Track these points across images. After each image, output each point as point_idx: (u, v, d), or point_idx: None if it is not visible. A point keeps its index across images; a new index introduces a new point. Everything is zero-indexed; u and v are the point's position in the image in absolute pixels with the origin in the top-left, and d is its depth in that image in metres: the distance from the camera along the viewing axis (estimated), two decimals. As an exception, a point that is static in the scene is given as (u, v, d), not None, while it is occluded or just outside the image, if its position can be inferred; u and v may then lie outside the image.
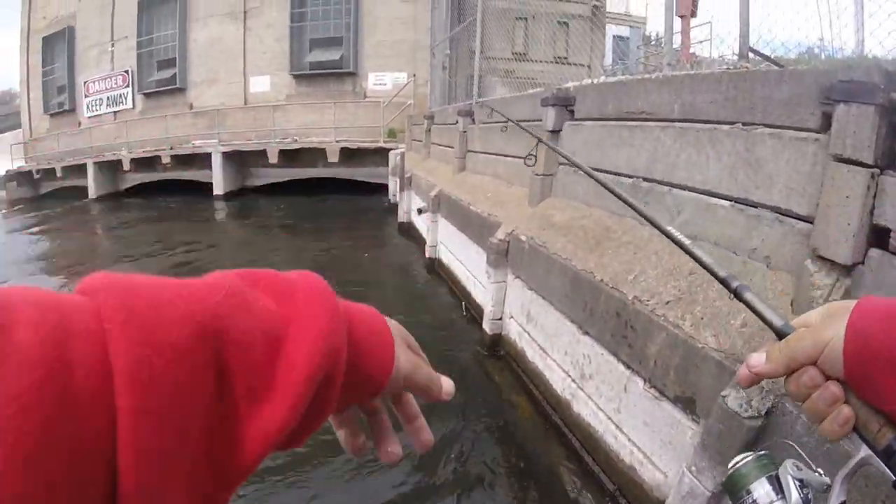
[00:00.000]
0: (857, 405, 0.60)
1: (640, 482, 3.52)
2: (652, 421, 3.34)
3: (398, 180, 15.22)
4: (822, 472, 0.65)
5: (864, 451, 0.60)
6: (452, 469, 4.45)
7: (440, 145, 12.24)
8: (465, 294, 7.93)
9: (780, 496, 0.65)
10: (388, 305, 8.66)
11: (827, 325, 0.62)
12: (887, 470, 0.57)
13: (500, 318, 6.18)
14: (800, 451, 0.71)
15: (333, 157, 19.70)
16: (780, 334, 0.68)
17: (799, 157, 2.87)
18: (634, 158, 4.43)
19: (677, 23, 7.52)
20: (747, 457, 0.71)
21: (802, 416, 2.28)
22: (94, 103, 27.12)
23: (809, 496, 0.64)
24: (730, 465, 0.72)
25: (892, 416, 0.58)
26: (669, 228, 1.07)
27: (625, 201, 1.30)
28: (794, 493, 0.64)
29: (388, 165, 17.54)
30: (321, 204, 19.05)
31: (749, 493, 0.68)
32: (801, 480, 0.65)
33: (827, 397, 0.61)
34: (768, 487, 0.66)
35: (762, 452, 0.71)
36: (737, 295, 0.80)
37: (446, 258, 9.29)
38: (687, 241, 0.99)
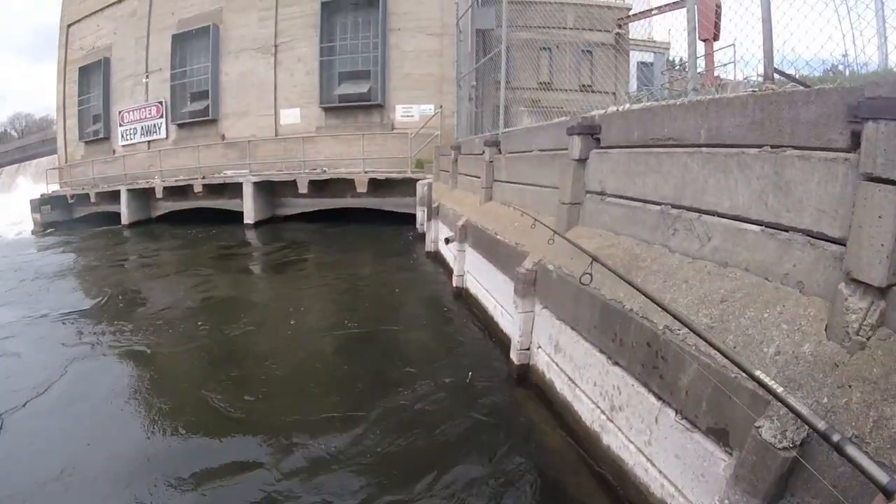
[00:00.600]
0: None
1: (671, 516, 3.42)
2: (683, 453, 3.25)
3: (425, 210, 15.29)
4: None
5: None
6: (479, 498, 4.37)
7: (467, 175, 12.28)
8: (492, 324, 7.87)
9: None
10: (416, 335, 8.64)
11: None
12: None
13: (528, 349, 6.12)
14: None
15: (362, 188, 19.86)
16: (887, 493, 0.63)
17: (829, 178, 2.81)
18: (662, 185, 4.38)
19: (700, 47, 7.49)
20: None
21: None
22: (128, 132, 27.85)
23: None
24: None
25: None
26: (758, 373, 1.02)
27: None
28: None
29: (415, 195, 17.66)
30: (350, 233, 19.17)
31: None
32: None
33: None
34: None
35: None
36: (838, 450, 0.75)
37: (473, 287, 9.25)
38: (780, 389, 0.94)
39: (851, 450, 0.69)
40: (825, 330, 2.65)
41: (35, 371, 7.28)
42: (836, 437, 0.72)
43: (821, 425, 0.75)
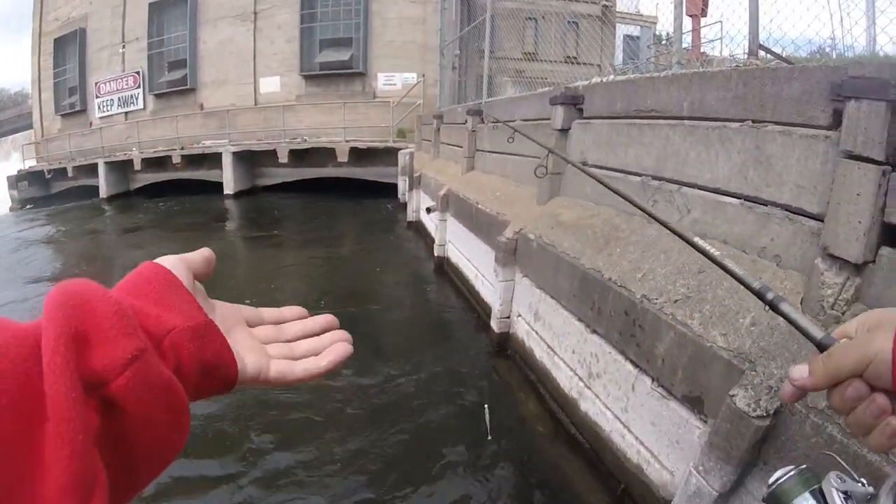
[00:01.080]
0: None
1: (646, 482, 3.50)
2: (659, 420, 3.32)
3: (407, 180, 15.25)
4: (865, 482, 0.65)
5: None
6: (457, 466, 4.44)
7: (449, 145, 12.24)
8: (473, 293, 7.92)
9: None
10: (397, 305, 8.67)
11: (872, 336, 0.62)
12: None
13: (508, 317, 6.17)
14: (841, 461, 0.71)
15: (343, 157, 19.72)
16: (822, 347, 0.67)
17: (809, 154, 2.85)
18: (643, 157, 4.40)
19: (688, 22, 7.50)
20: (789, 471, 0.71)
21: (811, 416, 2.26)
22: (105, 104, 27.26)
23: None
24: (771, 481, 0.72)
25: None
26: (697, 239, 1.06)
27: (646, 211, 1.29)
28: None
29: (397, 165, 17.58)
30: (331, 203, 19.07)
31: None
32: (845, 493, 0.65)
33: (874, 410, 0.60)
34: (812, 502, 0.67)
35: (804, 467, 0.72)
36: (773, 307, 0.79)
37: (455, 257, 9.28)
38: (716, 252, 0.98)
39: (785, 307, 0.74)
40: (801, 303, 2.70)
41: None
42: (770, 296, 0.77)
43: (755, 284, 0.80)
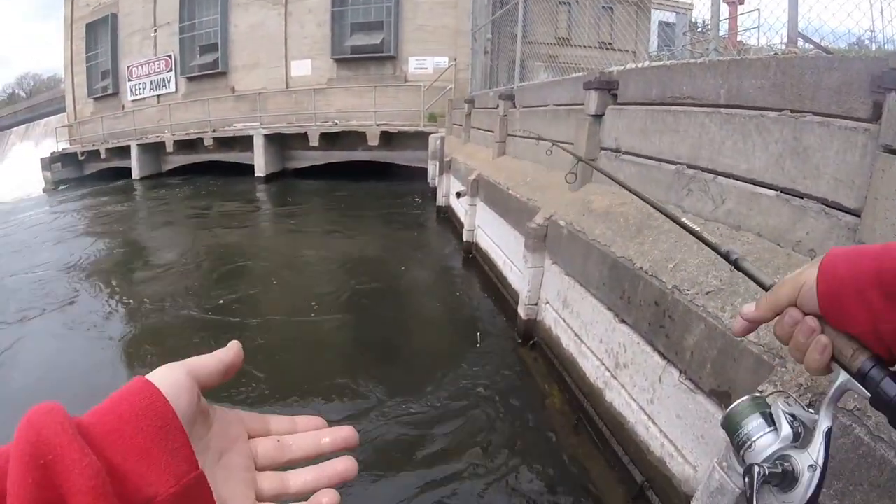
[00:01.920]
0: (832, 335, 0.68)
1: (669, 475, 3.47)
2: (685, 414, 3.29)
3: (437, 164, 15.22)
4: (812, 410, 0.73)
5: (843, 377, 0.68)
6: (480, 455, 4.45)
7: (480, 129, 12.19)
8: (501, 278, 7.90)
9: (771, 428, 0.73)
10: (425, 290, 8.69)
11: (803, 270, 0.71)
12: (863, 390, 0.66)
13: (536, 304, 6.14)
14: (791, 395, 0.76)
15: (373, 141, 19.77)
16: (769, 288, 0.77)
17: (848, 146, 2.78)
18: (678, 144, 4.34)
19: (725, 10, 7.35)
20: (743, 398, 0.78)
21: (839, 417, 2.22)
22: (137, 87, 27.66)
23: (799, 429, 0.72)
24: (728, 407, 0.79)
25: (863, 339, 0.66)
26: (683, 220, 1.17)
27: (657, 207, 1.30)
28: (786, 426, 0.72)
29: (427, 149, 17.54)
30: (361, 187, 19.15)
31: (743, 427, 0.75)
32: (791, 415, 0.73)
33: (805, 330, 0.69)
34: (761, 421, 0.74)
35: (757, 394, 0.80)
36: (736, 265, 0.93)
37: (484, 242, 9.26)
38: (684, 220, 1.10)
39: (746, 264, 0.81)
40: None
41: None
42: (734, 256, 0.85)
43: (723, 248, 0.88)
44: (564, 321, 5.34)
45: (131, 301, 8.24)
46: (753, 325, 0.78)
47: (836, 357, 0.68)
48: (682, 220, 1.14)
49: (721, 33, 5.81)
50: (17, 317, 7.65)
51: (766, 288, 0.79)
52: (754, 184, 3.47)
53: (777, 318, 0.73)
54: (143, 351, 6.57)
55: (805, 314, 0.70)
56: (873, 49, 5.09)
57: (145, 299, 8.18)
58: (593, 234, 4.76)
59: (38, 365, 6.31)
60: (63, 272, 9.90)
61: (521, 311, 6.29)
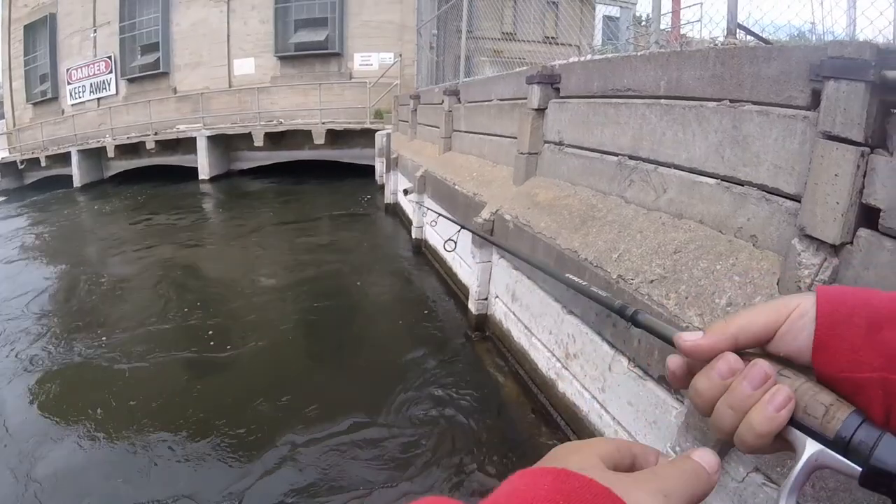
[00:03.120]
0: (795, 384, 0.51)
1: (624, 462, 3.50)
2: (636, 401, 3.32)
3: (385, 161, 15.15)
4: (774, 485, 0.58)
5: (812, 448, 0.49)
6: (437, 449, 4.43)
7: (426, 125, 12.16)
8: (450, 274, 7.90)
9: None
10: (376, 288, 8.62)
11: (784, 299, 0.55)
12: (848, 463, 0.47)
13: (486, 299, 6.15)
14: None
15: (319, 140, 19.56)
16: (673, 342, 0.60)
17: (787, 134, 2.83)
18: (620, 136, 4.38)
19: (667, 4, 7.46)
20: None
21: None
22: (77, 90, 26.75)
23: None
24: None
25: (860, 391, 0.49)
26: (568, 275, 1.08)
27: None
28: None
29: (374, 147, 17.45)
30: (307, 186, 18.96)
31: None
32: None
33: (755, 377, 0.51)
34: None
35: None
36: (634, 321, 0.76)
37: (433, 239, 9.25)
38: (583, 283, 1.00)
39: (643, 317, 0.74)
40: (777, 284, 2.69)
41: None
42: (629, 311, 0.78)
43: (616, 304, 0.82)
44: (514, 314, 5.36)
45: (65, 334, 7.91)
46: (697, 357, 0.56)
47: (798, 419, 0.50)
48: (569, 276, 1.05)
49: (663, 27, 5.88)
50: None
51: (668, 342, 0.60)
52: (695, 173, 3.52)
53: (705, 366, 0.55)
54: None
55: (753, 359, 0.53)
56: (814, 40, 5.21)
57: (79, 327, 7.81)
58: (539, 228, 4.78)
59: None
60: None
61: (472, 306, 6.29)
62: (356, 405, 5.11)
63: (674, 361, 0.59)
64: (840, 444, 0.47)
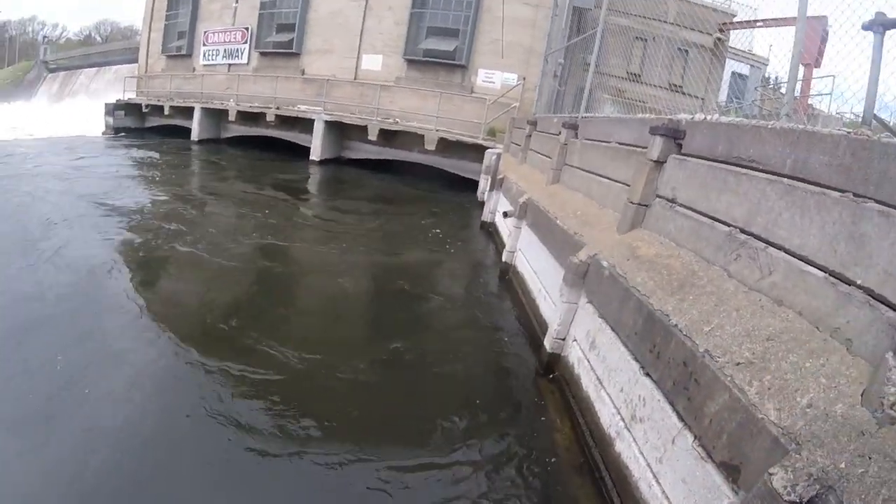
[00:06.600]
0: None
1: (664, 537, 3.44)
2: (691, 480, 3.25)
3: (490, 179, 15.27)
4: None
5: None
6: (478, 487, 4.42)
7: (538, 153, 12.18)
8: (532, 306, 7.88)
9: None
10: (455, 302, 8.68)
11: None
12: None
13: (563, 339, 6.11)
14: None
15: (430, 145, 19.90)
16: None
17: (905, 241, 2.72)
18: (735, 207, 4.28)
19: (800, 70, 7.26)
20: None
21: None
22: (210, 53, 28.63)
23: None
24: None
25: None
26: None
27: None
28: None
29: (482, 163, 17.63)
30: (410, 188, 19.35)
31: None
32: None
33: None
34: None
35: None
36: None
37: (521, 266, 9.25)
38: None
39: None
40: (861, 395, 2.59)
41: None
42: None
43: None
44: (589, 362, 5.31)
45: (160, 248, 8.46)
46: None
47: None
48: None
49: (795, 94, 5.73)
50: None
51: None
52: (804, 261, 3.41)
53: None
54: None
55: None
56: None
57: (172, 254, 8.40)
58: (634, 281, 4.72)
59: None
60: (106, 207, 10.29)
61: (547, 343, 6.26)
62: (403, 427, 5.14)
63: None
64: None
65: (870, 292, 2.87)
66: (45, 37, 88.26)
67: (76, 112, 37.69)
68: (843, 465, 2.30)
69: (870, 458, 2.28)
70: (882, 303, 2.78)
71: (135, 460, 4.19)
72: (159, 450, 4.34)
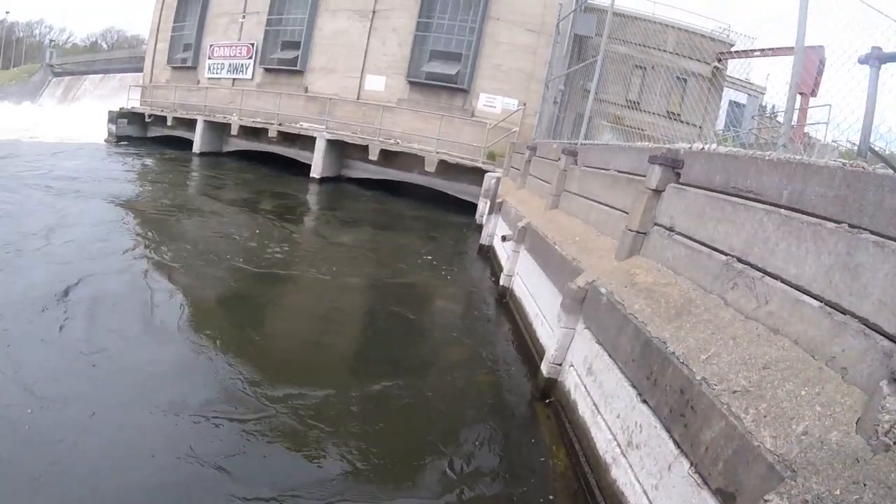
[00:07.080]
0: None
1: (659, 564, 3.44)
2: (687, 507, 3.26)
3: (488, 203, 15.33)
4: None
5: None
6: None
7: (537, 178, 12.26)
8: (529, 330, 7.90)
9: None
10: (451, 325, 8.69)
11: None
12: None
13: (560, 364, 6.12)
14: None
15: (430, 167, 20.04)
16: None
17: (899, 272, 2.77)
18: (732, 236, 4.34)
19: (797, 99, 7.34)
20: None
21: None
22: (215, 66, 28.96)
23: None
24: None
25: None
26: None
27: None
28: None
29: (481, 186, 17.72)
30: (409, 209, 19.45)
31: None
32: None
33: None
34: None
35: None
36: None
37: (519, 290, 9.28)
38: None
39: None
40: (856, 422, 2.62)
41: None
42: None
43: None
44: (585, 388, 5.32)
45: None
46: None
47: None
48: None
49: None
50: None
51: None
52: (800, 291, 3.45)
53: None
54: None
55: None
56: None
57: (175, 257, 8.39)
58: (632, 308, 4.76)
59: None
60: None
61: (544, 368, 6.27)
62: (394, 442, 5.13)
63: None
64: None
65: (865, 321, 2.91)
66: (51, 40, 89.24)
67: (80, 117, 38.24)
68: (838, 492, 2.32)
69: (864, 485, 2.30)
70: (877, 332, 2.82)
71: None
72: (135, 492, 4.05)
